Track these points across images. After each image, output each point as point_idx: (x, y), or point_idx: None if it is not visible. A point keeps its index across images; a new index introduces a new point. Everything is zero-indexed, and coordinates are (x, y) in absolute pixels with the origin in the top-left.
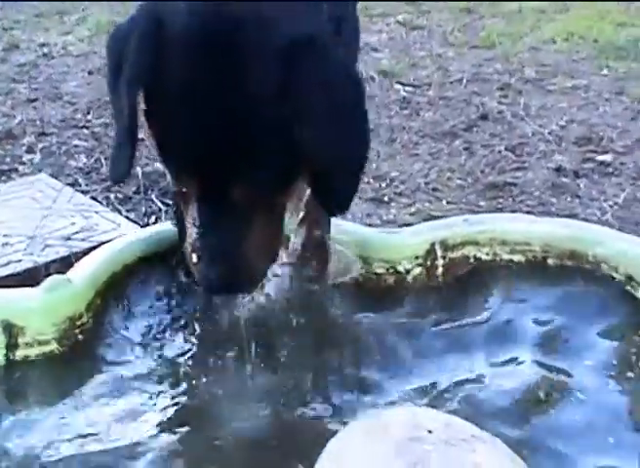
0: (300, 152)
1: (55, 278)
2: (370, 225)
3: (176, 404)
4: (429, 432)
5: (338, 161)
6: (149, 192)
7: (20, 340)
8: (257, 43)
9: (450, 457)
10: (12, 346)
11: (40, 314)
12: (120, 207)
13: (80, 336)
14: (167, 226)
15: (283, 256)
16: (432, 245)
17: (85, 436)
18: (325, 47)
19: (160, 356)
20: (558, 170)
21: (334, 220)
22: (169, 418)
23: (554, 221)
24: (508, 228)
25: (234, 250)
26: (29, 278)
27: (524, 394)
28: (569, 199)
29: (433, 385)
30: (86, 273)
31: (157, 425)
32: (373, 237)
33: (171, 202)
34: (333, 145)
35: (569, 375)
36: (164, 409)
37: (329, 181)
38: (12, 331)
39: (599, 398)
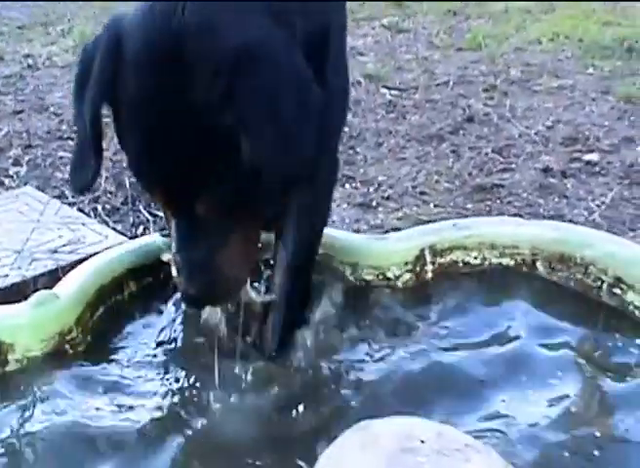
0: (251, 164)
1: (42, 293)
2: (358, 231)
3: (168, 417)
4: (422, 442)
5: (275, 175)
6: (137, 203)
7: (10, 357)
8: (200, 55)
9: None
10: (2, 362)
11: (28, 330)
12: (107, 218)
13: (70, 351)
14: (155, 238)
15: None
16: (421, 250)
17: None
18: (268, 56)
19: (151, 369)
20: (545, 170)
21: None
22: (162, 432)
23: (542, 224)
24: (496, 232)
25: (208, 264)
26: (17, 292)
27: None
28: (556, 199)
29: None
30: (74, 287)
31: (150, 439)
32: (361, 244)
33: (159, 213)
34: (270, 159)
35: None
36: (157, 422)
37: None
38: (1, 348)
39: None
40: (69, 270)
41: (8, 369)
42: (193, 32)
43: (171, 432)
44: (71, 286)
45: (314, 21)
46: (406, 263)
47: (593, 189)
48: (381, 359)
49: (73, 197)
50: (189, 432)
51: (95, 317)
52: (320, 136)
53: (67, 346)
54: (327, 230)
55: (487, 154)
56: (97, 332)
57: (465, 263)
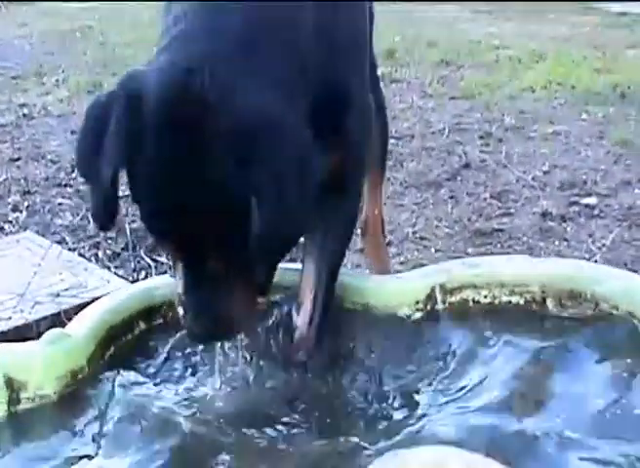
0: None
1: (54, 332)
2: None
3: (175, 457)
4: None
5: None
6: (138, 249)
7: (22, 395)
8: (217, 130)
9: None
10: (13, 401)
11: (41, 368)
12: (109, 263)
13: (81, 390)
14: (164, 280)
15: None
16: (432, 289)
17: None
18: (277, 134)
19: (161, 408)
20: (544, 214)
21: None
22: None
23: (551, 261)
24: (506, 270)
25: (213, 307)
26: (20, 335)
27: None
28: (557, 242)
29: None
30: (86, 326)
31: None
32: (372, 283)
33: (160, 258)
34: (273, 229)
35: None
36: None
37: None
38: (13, 386)
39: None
40: (72, 314)
41: (20, 407)
42: (213, 105)
43: None
44: (83, 325)
45: (333, 84)
46: (417, 302)
47: (593, 232)
48: None
49: (74, 243)
50: None
51: (106, 356)
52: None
53: (78, 385)
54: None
55: (485, 199)
56: (106, 372)
57: (476, 302)
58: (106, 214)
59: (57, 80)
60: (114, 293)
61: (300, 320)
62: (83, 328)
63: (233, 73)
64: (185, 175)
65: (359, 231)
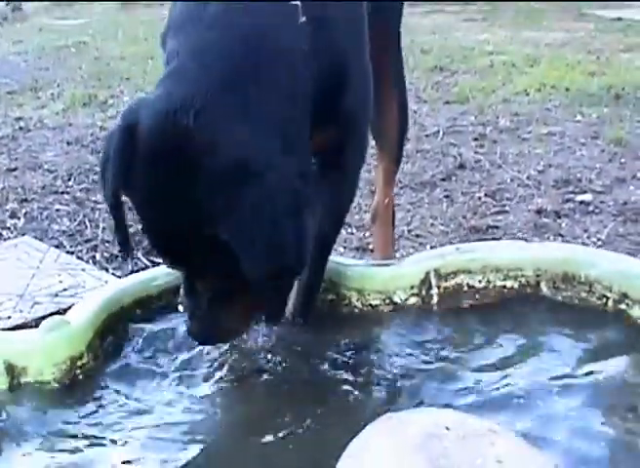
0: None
1: (54, 319)
2: None
3: (174, 443)
4: (447, 429)
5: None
6: (135, 251)
7: (22, 380)
8: (202, 166)
9: (470, 452)
10: (14, 386)
11: (41, 354)
12: (107, 265)
13: (80, 376)
14: (162, 270)
15: None
16: (427, 274)
17: None
18: (262, 174)
19: (161, 397)
20: (539, 211)
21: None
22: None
23: (545, 245)
24: (500, 255)
25: (206, 315)
26: None
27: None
28: (551, 238)
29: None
30: (85, 314)
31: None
32: (367, 269)
33: (157, 260)
34: (256, 270)
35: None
36: (166, 451)
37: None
38: (14, 372)
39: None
40: None
41: (20, 392)
42: (200, 142)
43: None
44: (82, 313)
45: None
46: (412, 287)
47: (588, 227)
48: None
49: (72, 247)
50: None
51: (104, 344)
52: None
53: (78, 371)
54: (332, 257)
55: (480, 198)
56: (105, 359)
57: (470, 287)
58: (119, 234)
59: (52, 94)
60: (114, 283)
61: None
62: (82, 315)
63: (222, 110)
64: (175, 205)
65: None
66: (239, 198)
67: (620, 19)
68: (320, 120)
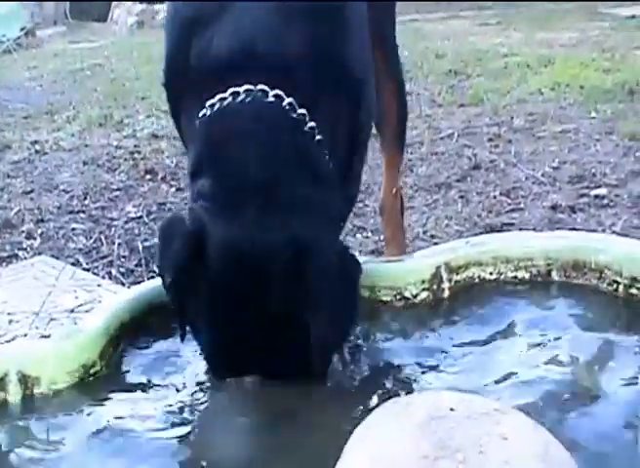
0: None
1: (67, 327)
2: None
3: (184, 451)
4: (451, 410)
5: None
6: (151, 264)
7: (36, 390)
8: (273, 264)
9: (475, 431)
10: (28, 397)
11: (53, 363)
12: (123, 280)
13: (94, 385)
14: None
15: None
16: (437, 268)
17: None
18: (325, 253)
19: (170, 407)
20: (554, 207)
21: None
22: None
23: (554, 234)
24: (510, 245)
25: None
26: None
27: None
28: None
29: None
30: (98, 322)
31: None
32: (377, 265)
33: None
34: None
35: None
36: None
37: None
38: (27, 383)
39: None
40: None
41: (34, 403)
42: (265, 241)
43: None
44: (95, 321)
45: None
46: (423, 281)
47: (603, 221)
48: None
49: (88, 263)
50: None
51: (117, 351)
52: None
53: (91, 379)
54: None
55: (495, 197)
56: (118, 368)
57: (482, 279)
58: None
59: (68, 116)
60: (128, 290)
61: None
62: (95, 323)
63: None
64: (246, 305)
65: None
66: (311, 285)
67: (634, 16)
68: None
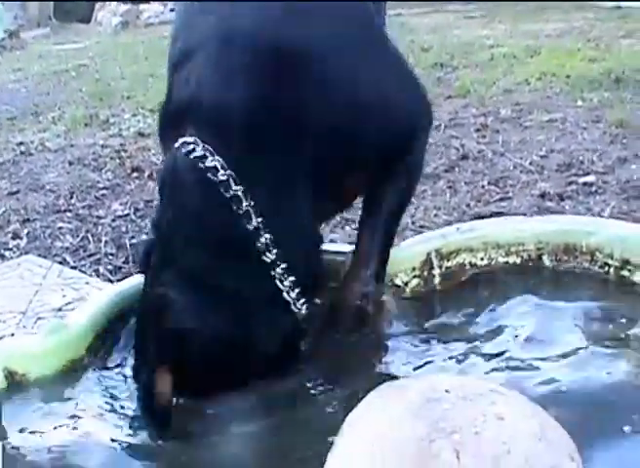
0: None
1: (52, 323)
2: None
3: (172, 448)
4: (447, 392)
5: None
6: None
7: (23, 386)
8: None
9: (471, 412)
10: (14, 393)
11: (41, 359)
12: (111, 277)
13: (81, 378)
14: None
15: None
16: (428, 255)
17: None
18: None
19: None
20: (542, 195)
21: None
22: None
23: (544, 219)
24: (500, 230)
25: None
26: None
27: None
28: None
29: None
30: (85, 317)
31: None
32: None
33: None
34: None
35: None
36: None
37: None
38: (14, 379)
39: None
40: None
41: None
42: None
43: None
44: (82, 316)
45: None
46: (413, 269)
47: (592, 207)
48: None
49: (75, 262)
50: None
51: (105, 346)
52: None
53: (78, 373)
54: (333, 245)
55: (483, 187)
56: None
57: (472, 265)
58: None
59: (53, 117)
60: (113, 286)
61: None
62: (82, 318)
63: None
64: None
65: None
66: None
67: (619, 7)
68: None
